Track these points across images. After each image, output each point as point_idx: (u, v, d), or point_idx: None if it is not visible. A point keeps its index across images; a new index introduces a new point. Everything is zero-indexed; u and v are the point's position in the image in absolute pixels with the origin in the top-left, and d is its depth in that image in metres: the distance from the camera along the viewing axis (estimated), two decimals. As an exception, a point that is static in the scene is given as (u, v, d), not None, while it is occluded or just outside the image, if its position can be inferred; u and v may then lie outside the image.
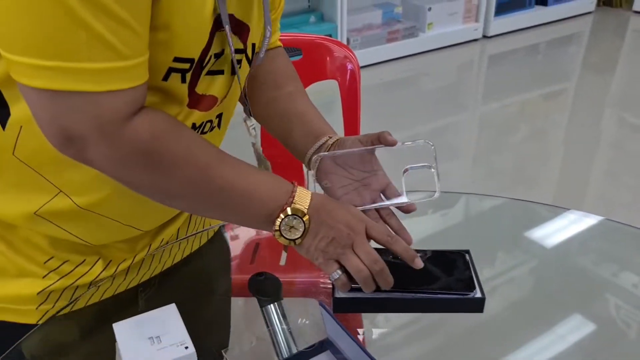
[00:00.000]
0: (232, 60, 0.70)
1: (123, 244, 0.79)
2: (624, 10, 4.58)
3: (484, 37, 4.03)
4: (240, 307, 0.96)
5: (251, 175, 0.67)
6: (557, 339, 0.85)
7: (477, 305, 0.72)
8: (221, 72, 0.71)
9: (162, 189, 0.64)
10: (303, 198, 0.67)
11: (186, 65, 0.64)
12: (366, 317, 0.90)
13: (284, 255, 0.72)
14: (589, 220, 1.08)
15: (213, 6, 0.63)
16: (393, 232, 0.69)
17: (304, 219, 0.66)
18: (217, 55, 0.68)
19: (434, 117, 3.03)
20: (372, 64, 3.57)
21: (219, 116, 0.76)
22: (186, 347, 0.57)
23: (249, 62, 0.77)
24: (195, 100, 0.69)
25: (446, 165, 2.54)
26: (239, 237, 1.06)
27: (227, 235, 1.03)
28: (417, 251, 0.75)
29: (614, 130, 2.94)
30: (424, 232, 0.96)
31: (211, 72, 0.69)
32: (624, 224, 0.98)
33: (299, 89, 0.86)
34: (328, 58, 1.28)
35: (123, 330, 0.60)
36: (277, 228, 0.66)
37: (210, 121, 0.74)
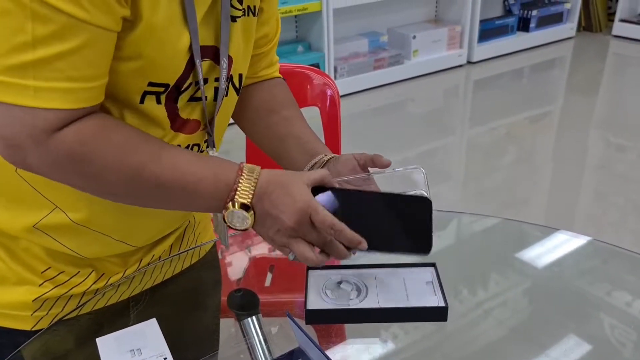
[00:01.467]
0: (215, 88, 0.74)
1: (116, 258, 0.82)
2: (603, 34, 4.69)
3: (469, 62, 4.10)
4: (231, 326, 0.96)
5: (190, 171, 0.67)
6: (552, 360, 0.84)
7: (441, 314, 0.77)
8: (205, 99, 0.74)
9: (100, 191, 0.67)
10: (246, 189, 0.67)
11: (160, 89, 0.68)
12: (357, 333, 0.89)
13: (269, 276, 0.73)
14: (578, 241, 1.09)
15: (190, 40, 0.67)
16: (339, 224, 0.67)
17: (247, 211, 0.67)
18: (202, 82, 0.72)
19: (422, 141, 3.06)
20: (359, 90, 3.62)
21: (207, 141, 0.79)
22: (165, 359, 0.61)
23: (236, 90, 0.80)
24: (180, 124, 0.73)
25: (435, 189, 2.55)
26: (232, 265, 1.08)
27: (220, 254, 1.05)
28: (385, 265, 0.82)
29: (599, 151, 2.97)
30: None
31: (195, 99, 0.73)
32: (612, 245, 0.99)
33: (296, 113, 0.88)
34: (308, 86, 1.33)
35: (105, 344, 0.64)
36: (226, 222, 0.68)
37: (198, 145, 0.77)
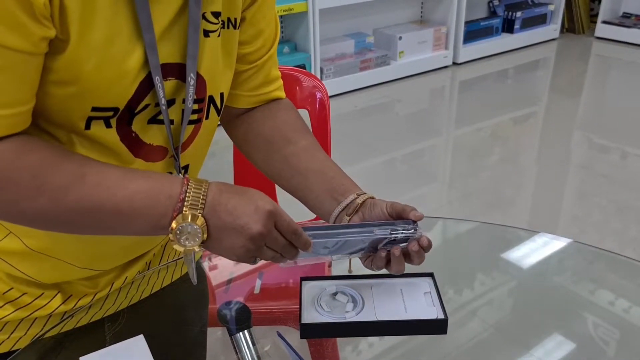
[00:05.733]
0: (182, 111, 0.67)
1: (84, 280, 0.77)
2: (586, 36, 4.74)
3: (454, 64, 4.12)
4: (219, 337, 0.95)
5: (121, 186, 0.59)
6: (537, 360, 0.85)
7: (440, 327, 0.75)
8: (171, 122, 0.67)
9: (22, 220, 0.60)
10: (195, 199, 0.60)
11: (109, 113, 0.62)
12: (349, 343, 0.88)
13: (258, 283, 0.72)
14: (559, 243, 1.10)
15: (144, 57, 0.60)
16: (300, 229, 0.65)
17: (199, 224, 0.60)
18: (164, 104, 0.65)
19: (408, 142, 3.07)
20: (346, 92, 3.62)
21: (185, 168, 0.73)
22: None
23: (218, 112, 0.74)
24: (142, 150, 0.66)
25: (421, 190, 2.56)
26: (218, 267, 1.06)
27: (206, 265, 1.03)
28: (382, 275, 0.78)
29: (583, 151, 3.01)
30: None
31: (157, 121, 0.66)
32: (593, 247, 1.00)
33: (314, 142, 0.81)
34: (298, 88, 1.31)
35: None
36: (171, 238, 0.60)
37: (170, 174, 0.69)
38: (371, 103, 3.58)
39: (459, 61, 4.11)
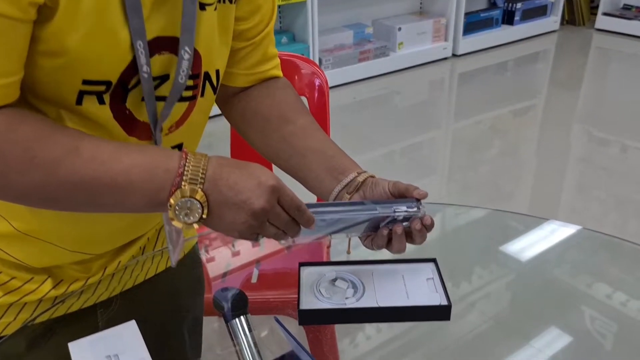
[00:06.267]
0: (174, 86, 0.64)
1: (75, 265, 0.75)
2: (586, 28, 4.73)
3: (454, 55, 4.10)
4: (215, 328, 0.94)
5: (117, 160, 0.57)
6: (535, 352, 0.85)
7: (443, 313, 0.73)
8: (162, 99, 0.64)
9: (12, 196, 0.58)
10: (195, 173, 0.57)
11: (101, 88, 0.59)
12: (346, 335, 0.88)
13: (255, 272, 0.71)
14: (565, 231, 1.09)
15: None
16: (303, 204, 0.63)
17: (200, 199, 0.57)
18: (161, 79, 0.63)
19: (408, 134, 3.06)
20: (344, 83, 3.60)
21: (178, 146, 0.71)
22: None
23: (214, 89, 0.71)
24: (134, 128, 0.64)
25: (420, 182, 2.56)
26: (215, 260, 1.05)
27: (203, 256, 1.02)
28: (383, 261, 0.78)
29: (582, 144, 3.00)
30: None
31: (157, 98, 0.64)
32: (600, 233, 1.00)
33: (312, 121, 0.79)
34: (296, 75, 1.29)
35: (79, 349, 0.57)
36: (171, 216, 0.58)
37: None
38: (370, 95, 3.57)
39: (459, 53, 4.10)
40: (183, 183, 0.57)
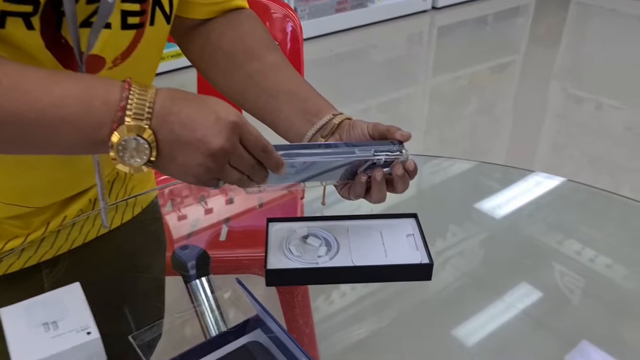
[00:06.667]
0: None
1: (12, 219, 0.68)
2: (567, -17, 4.69)
3: (433, 8, 4.03)
4: (176, 287, 0.90)
5: (46, 91, 0.49)
6: (506, 307, 0.87)
7: (424, 272, 0.68)
8: (107, 26, 0.56)
9: None
10: (140, 106, 0.49)
11: (27, 8, 0.51)
12: (321, 292, 0.89)
13: (224, 229, 0.66)
14: (542, 187, 1.10)
15: None
16: (270, 145, 0.56)
17: (147, 137, 0.49)
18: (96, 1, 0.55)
19: (385, 89, 3.03)
20: (320, 35, 3.52)
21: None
22: (88, 333, 0.49)
23: (167, 18, 0.63)
24: (72, 59, 0.56)
25: (397, 138, 2.55)
26: (187, 217, 1.01)
27: (171, 212, 0.97)
28: (360, 216, 0.73)
29: (559, 102, 3.02)
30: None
31: (89, 24, 0.55)
32: (581, 183, 1.01)
33: (282, 58, 0.71)
34: (267, 21, 1.19)
35: (11, 315, 0.51)
36: (112, 156, 0.50)
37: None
38: (347, 48, 3.50)
39: (439, 5, 4.02)
40: (126, 118, 0.49)
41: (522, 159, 2.50)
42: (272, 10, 1.18)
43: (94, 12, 0.55)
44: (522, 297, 0.89)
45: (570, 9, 4.29)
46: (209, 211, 1.02)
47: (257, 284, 0.66)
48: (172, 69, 2.54)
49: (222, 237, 0.77)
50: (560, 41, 3.78)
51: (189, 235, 0.97)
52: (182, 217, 0.99)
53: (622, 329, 0.83)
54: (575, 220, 1.06)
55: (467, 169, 1.19)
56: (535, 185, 1.11)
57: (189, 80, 0.76)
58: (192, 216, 0.99)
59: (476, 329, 0.84)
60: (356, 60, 3.40)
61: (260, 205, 1.04)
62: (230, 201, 0.99)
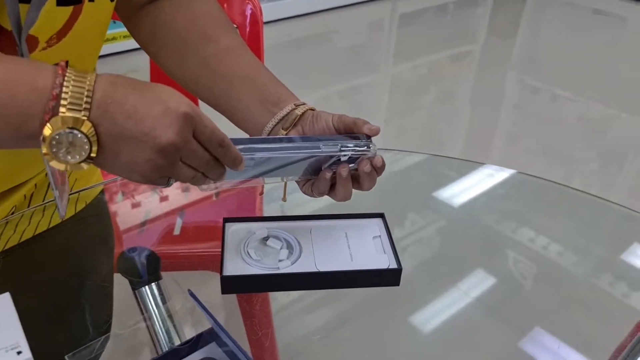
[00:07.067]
0: None
1: None
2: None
3: (395, -5, 4.05)
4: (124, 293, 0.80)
5: None
6: (461, 295, 0.87)
7: (392, 278, 0.64)
8: (44, 3, 0.51)
9: None
10: (76, 94, 0.42)
11: None
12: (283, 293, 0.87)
13: (179, 222, 0.61)
14: (500, 175, 1.12)
15: None
16: (228, 139, 0.51)
17: (86, 131, 0.43)
18: None
19: (346, 77, 3.02)
20: (280, 19, 3.47)
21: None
22: (19, 352, 0.42)
23: None
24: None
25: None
26: (141, 205, 0.96)
27: (121, 202, 0.91)
28: (323, 216, 0.69)
29: (515, 92, 3.08)
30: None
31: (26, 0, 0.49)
32: (532, 175, 1.03)
33: (240, 42, 0.66)
34: (225, 3, 1.13)
35: None
36: (45, 151, 0.43)
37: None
38: (307, 33, 3.47)
39: (400, -7, 4.05)
40: (61, 109, 0.42)
41: (478, 149, 2.54)
42: (230, -8, 1.12)
43: None
44: (476, 285, 0.90)
45: (527, 1, 4.38)
46: (164, 199, 0.97)
47: (215, 282, 0.61)
48: (124, 50, 2.43)
49: (176, 231, 0.72)
50: (518, 32, 3.85)
51: (143, 224, 0.91)
52: (135, 205, 0.93)
53: (572, 314, 0.85)
54: (528, 209, 1.08)
55: (418, 161, 1.19)
56: (488, 177, 1.13)
57: (142, 63, 0.71)
58: (146, 204, 0.95)
59: (431, 316, 0.85)
60: (317, 46, 3.37)
61: (217, 195, 1.00)
62: (186, 189, 0.95)
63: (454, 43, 3.52)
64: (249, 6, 1.12)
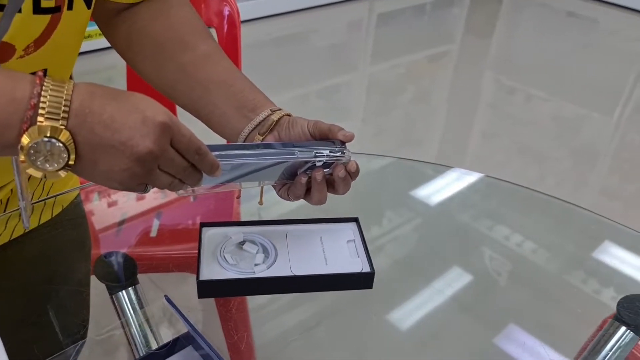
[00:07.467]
0: None
1: None
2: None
3: (373, -5, 4.07)
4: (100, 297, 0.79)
5: None
6: (436, 293, 0.88)
7: (365, 281, 0.66)
8: (17, 11, 0.51)
9: None
10: (54, 103, 0.43)
11: None
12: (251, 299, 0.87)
13: (155, 224, 0.61)
14: (469, 178, 1.13)
15: None
16: (204, 147, 0.52)
17: (64, 140, 0.44)
18: None
19: (323, 76, 3.02)
20: (258, 17, 3.46)
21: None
22: None
23: (87, 3, 0.59)
24: None
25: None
26: (118, 204, 0.95)
27: (97, 202, 0.91)
28: (299, 221, 0.70)
29: (491, 92, 3.11)
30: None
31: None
32: (501, 180, 1.04)
33: (216, 48, 0.67)
34: (202, 3, 1.14)
35: None
36: (23, 159, 0.44)
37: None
38: (286, 32, 3.47)
39: (378, -7, 4.07)
40: (39, 118, 0.43)
41: (455, 147, 2.57)
42: (207, -6, 1.13)
43: None
44: (451, 282, 0.91)
45: (504, 2, 4.43)
46: (140, 198, 0.97)
47: (192, 285, 0.62)
48: (100, 47, 2.40)
49: (153, 233, 0.72)
50: (494, 32, 3.90)
51: (120, 223, 0.91)
52: (112, 204, 0.93)
53: (546, 311, 0.86)
54: (503, 207, 1.10)
55: (392, 161, 1.20)
56: (463, 175, 1.14)
57: (119, 61, 0.71)
58: (123, 203, 0.94)
59: (408, 314, 0.85)
60: (295, 45, 3.37)
61: (194, 198, 1.00)
62: (162, 190, 0.95)
63: (431, 43, 3.55)
64: (227, 8, 1.13)
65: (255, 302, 0.85)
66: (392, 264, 0.94)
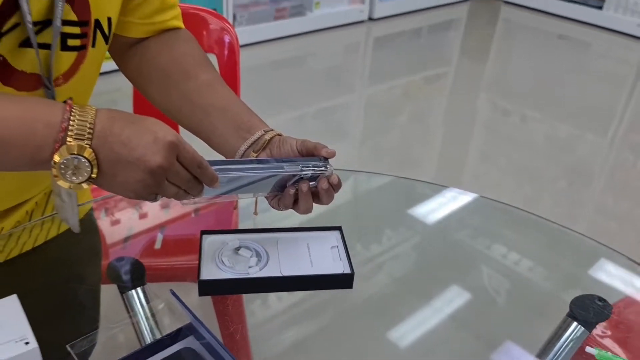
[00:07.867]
0: (61, 34, 0.59)
1: None
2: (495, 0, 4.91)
3: (370, 19, 4.12)
4: (112, 297, 0.89)
5: None
6: (434, 311, 0.89)
7: (346, 281, 0.74)
8: (47, 47, 0.60)
9: None
10: (81, 127, 0.52)
11: None
12: (257, 297, 0.88)
13: (159, 237, 0.68)
14: (465, 197, 1.15)
15: None
16: (205, 161, 0.60)
17: (88, 157, 0.53)
18: (42, 25, 0.58)
19: (321, 98, 3.06)
20: (258, 41, 3.52)
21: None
22: (27, 343, 0.50)
23: (106, 39, 0.67)
24: (10, 77, 0.59)
25: (333, 146, 2.57)
26: (121, 222, 0.99)
27: (104, 219, 0.96)
28: (289, 229, 0.77)
29: (487, 113, 3.15)
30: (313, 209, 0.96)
31: (31, 45, 0.58)
32: (495, 200, 1.06)
33: (216, 77, 0.75)
34: (204, 31, 1.21)
35: None
36: (54, 173, 0.53)
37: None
38: (285, 55, 3.52)
39: (375, 17, 4.12)
40: (68, 139, 0.52)
41: (451, 167, 2.59)
42: (210, 23, 1.20)
43: (37, 33, 0.57)
44: (450, 301, 0.92)
45: (498, 25, 4.50)
46: (143, 216, 1.01)
47: (192, 290, 0.68)
48: (107, 70, 2.41)
49: (157, 246, 0.77)
50: (489, 55, 3.96)
51: (126, 239, 0.96)
52: (115, 222, 0.97)
53: (543, 328, 0.87)
54: (500, 227, 1.11)
55: (390, 180, 1.23)
56: (459, 195, 1.16)
57: (125, 83, 0.76)
58: (127, 221, 0.98)
59: (407, 331, 0.86)
60: (294, 68, 3.42)
61: (196, 212, 1.04)
62: (165, 206, 0.99)
63: (427, 65, 3.60)
64: (227, 36, 1.20)
65: (253, 320, 0.86)
66: (391, 282, 0.95)
